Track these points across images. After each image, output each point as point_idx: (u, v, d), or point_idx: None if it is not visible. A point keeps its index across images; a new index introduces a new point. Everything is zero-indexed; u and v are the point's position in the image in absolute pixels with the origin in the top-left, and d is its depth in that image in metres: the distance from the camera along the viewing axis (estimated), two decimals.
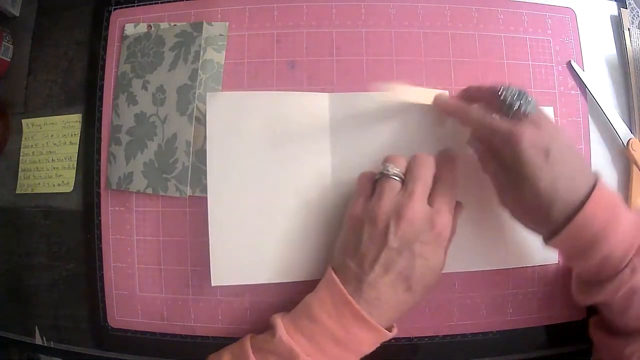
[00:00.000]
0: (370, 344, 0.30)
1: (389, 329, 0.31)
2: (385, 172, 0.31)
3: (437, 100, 0.35)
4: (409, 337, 0.37)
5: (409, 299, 0.30)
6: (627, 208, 0.29)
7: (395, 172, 0.31)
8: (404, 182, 0.31)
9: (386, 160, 0.32)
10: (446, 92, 0.36)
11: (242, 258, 0.36)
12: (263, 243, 0.36)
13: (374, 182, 0.32)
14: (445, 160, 0.32)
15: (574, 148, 0.30)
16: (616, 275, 0.28)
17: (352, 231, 0.31)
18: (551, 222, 0.29)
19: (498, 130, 0.30)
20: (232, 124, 0.36)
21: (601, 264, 0.29)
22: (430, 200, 0.30)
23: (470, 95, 0.34)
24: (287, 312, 0.31)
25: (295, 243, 0.36)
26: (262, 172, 0.36)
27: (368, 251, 0.29)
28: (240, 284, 0.36)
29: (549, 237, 0.30)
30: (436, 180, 0.31)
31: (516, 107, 0.29)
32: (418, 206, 0.29)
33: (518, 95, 0.30)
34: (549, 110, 0.38)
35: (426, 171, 0.31)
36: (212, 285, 0.35)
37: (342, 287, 0.29)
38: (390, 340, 0.37)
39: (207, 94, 0.37)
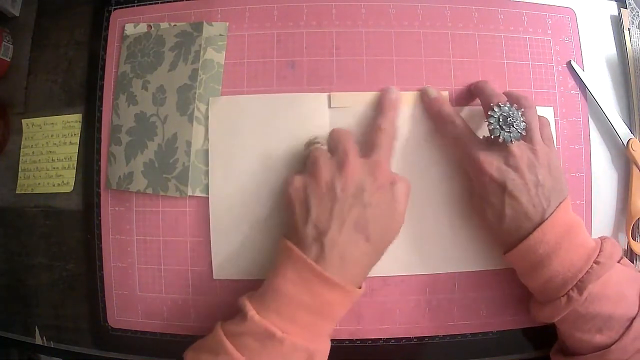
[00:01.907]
0: (341, 305, 0.30)
1: (361, 288, 0.31)
2: (312, 144, 0.33)
3: (426, 94, 0.36)
4: (409, 337, 0.37)
5: (370, 250, 0.30)
6: (581, 238, 0.31)
7: (322, 142, 0.33)
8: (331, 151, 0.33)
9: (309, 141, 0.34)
10: (445, 93, 0.37)
11: (242, 254, 0.36)
12: (263, 240, 0.36)
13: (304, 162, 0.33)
14: (386, 108, 0.34)
15: (538, 184, 0.30)
16: (554, 300, 0.31)
17: (299, 203, 0.31)
18: (502, 242, 0.33)
19: (469, 156, 0.32)
20: (233, 126, 0.37)
21: (543, 287, 0.31)
22: (369, 152, 0.32)
23: (473, 92, 0.36)
24: (253, 292, 0.30)
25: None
26: (263, 172, 0.37)
27: (320, 212, 0.30)
28: (241, 278, 0.36)
29: (503, 253, 0.33)
30: (375, 130, 0.33)
31: (495, 134, 0.31)
32: (354, 160, 0.31)
33: (504, 120, 0.31)
34: (548, 111, 0.38)
35: (348, 136, 0.33)
36: (214, 278, 0.36)
37: (300, 252, 0.29)
38: (390, 340, 0.37)
39: (210, 98, 0.37)
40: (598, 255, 0.30)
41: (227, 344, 0.27)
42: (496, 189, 0.31)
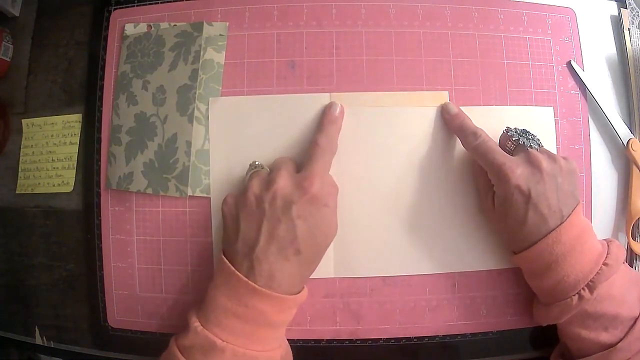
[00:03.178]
0: (279, 312, 0.30)
1: (300, 293, 0.32)
2: (253, 168, 0.34)
3: (446, 111, 0.37)
4: (409, 337, 0.37)
5: (301, 261, 0.31)
6: (592, 241, 0.32)
7: (260, 163, 0.34)
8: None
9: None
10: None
11: None
12: None
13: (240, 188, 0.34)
14: (326, 123, 0.35)
15: (558, 189, 0.32)
16: (564, 299, 0.31)
17: (230, 219, 0.32)
18: (517, 244, 0.33)
19: (493, 163, 0.32)
20: (234, 127, 0.37)
21: (554, 287, 0.32)
22: (303, 167, 0.33)
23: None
24: (200, 304, 0.31)
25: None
26: None
27: (249, 228, 0.31)
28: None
29: (515, 253, 0.34)
30: (311, 145, 0.34)
31: (521, 142, 0.33)
32: (285, 177, 0.32)
33: (523, 133, 0.34)
34: (548, 111, 0.38)
35: (287, 159, 0.34)
36: None
37: (230, 265, 0.30)
38: (390, 340, 0.37)
39: (210, 99, 0.37)
40: (606, 257, 0.31)
41: (179, 357, 0.29)
42: (520, 195, 0.31)
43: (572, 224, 0.31)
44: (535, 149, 0.33)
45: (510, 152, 0.34)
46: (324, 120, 0.35)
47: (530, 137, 0.34)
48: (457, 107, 0.36)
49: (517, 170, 0.31)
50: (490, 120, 0.37)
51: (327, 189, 0.32)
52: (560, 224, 0.31)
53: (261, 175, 0.33)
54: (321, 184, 0.31)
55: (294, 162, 0.34)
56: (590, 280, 0.31)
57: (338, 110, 0.36)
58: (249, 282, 0.29)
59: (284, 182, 0.31)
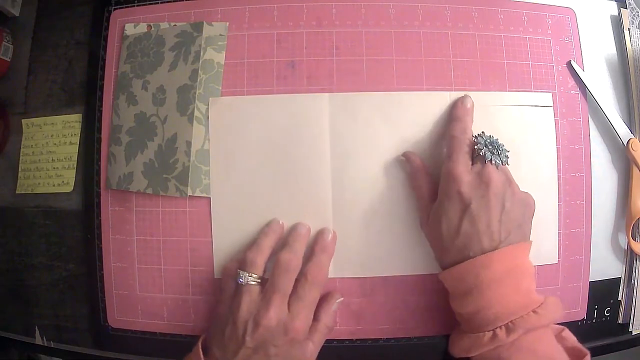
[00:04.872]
0: None
1: None
2: (242, 279, 0.32)
3: (463, 103, 0.36)
4: (409, 337, 0.37)
5: None
6: (528, 284, 0.30)
7: (254, 277, 0.32)
8: (262, 285, 0.32)
9: (244, 264, 0.33)
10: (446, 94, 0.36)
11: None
12: None
13: (236, 282, 0.33)
14: (319, 250, 0.34)
15: (503, 212, 0.30)
16: (477, 333, 0.30)
17: (219, 324, 0.33)
18: (446, 258, 0.32)
19: (450, 159, 0.32)
20: (233, 127, 0.37)
21: (472, 316, 0.30)
22: (290, 301, 0.32)
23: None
24: None
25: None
26: (263, 173, 0.37)
27: (228, 346, 0.31)
28: None
29: (442, 268, 0.33)
30: (299, 276, 0.33)
31: (488, 159, 0.31)
32: (274, 314, 0.31)
33: (491, 145, 0.32)
34: (548, 111, 0.38)
35: (286, 280, 0.32)
36: (216, 277, 0.37)
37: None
38: (390, 340, 0.37)
39: (210, 99, 0.37)
40: (539, 306, 0.29)
41: None
42: (459, 203, 0.30)
43: (509, 255, 0.29)
44: (497, 164, 0.31)
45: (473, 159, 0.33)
46: (316, 248, 0.34)
47: (496, 151, 0.32)
48: (471, 102, 0.36)
49: (465, 177, 0.31)
50: (489, 110, 0.37)
51: (305, 330, 0.32)
52: (494, 249, 0.29)
53: (253, 295, 0.32)
54: (306, 322, 0.32)
55: (292, 280, 0.32)
56: (511, 321, 0.28)
57: (330, 236, 0.35)
58: None
59: (270, 320, 0.30)
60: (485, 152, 0.32)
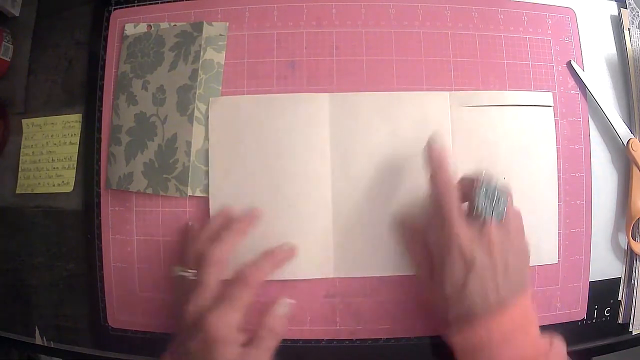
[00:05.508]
0: None
1: None
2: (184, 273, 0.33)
3: (429, 148, 0.33)
4: (409, 337, 0.37)
5: None
6: (534, 332, 0.30)
7: (190, 272, 0.33)
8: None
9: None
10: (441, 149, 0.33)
11: (241, 254, 0.35)
12: (263, 240, 0.36)
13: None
14: (265, 255, 0.34)
15: (506, 267, 0.30)
16: None
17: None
18: (448, 319, 0.31)
19: (446, 218, 0.30)
20: (233, 127, 0.37)
21: None
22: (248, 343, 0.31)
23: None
24: None
25: (293, 242, 0.36)
26: (263, 173, 0.37)
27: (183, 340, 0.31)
28: None
29: (448, 330, 0.31)
30: (233, 274, 0.32)
31: (477, 210, 0.30)
32: (192, 306, 0.31)
33: (492, 198, 0.30)
34: (548, 111, 0.38)
35: (208, 273, 0.32)
36: None
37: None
38: (390, 340, 0.37)
39: (210, 99, 0.37)
40: (550, 352, 0.30)
41: None
42: (462, 264, 0.29)
43: (518, 309, 0.29)
44: (501, 219, 0.30)
45: (469, 200, 0.31)
46: (264, 252, 0.34)
47: (495, 203, 0.30)
48: (442, 148, 0.33)
49: (468, 236, 0.29)
50: (489, 110, 0.37)
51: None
52: (502, 304, 0.29)
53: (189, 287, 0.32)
54: (225, 321, 0.30)
55: (218, 264, 0.32)
56: None
57: (286, 249, 0.35)
58: None
59: (191, 306, 0.31)
60: (483, 210, 0.30)
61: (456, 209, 0.30)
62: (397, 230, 0.36)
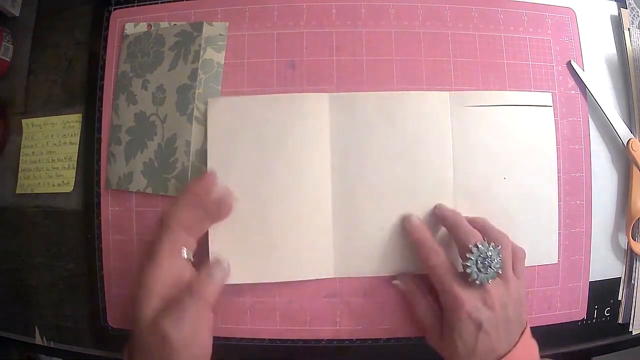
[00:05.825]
0: None
1: None
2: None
3: (409, 222, 0.35)
4: (409, 337, 0.37)
5: None
6: None
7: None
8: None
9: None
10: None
11: (240, 255, 0.36)
12: (262, 243, 0.36)
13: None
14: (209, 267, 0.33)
15: (508, 320, 0.31)
16: None
17: None
18: None
19: (446, 288, 0.32)
20: (233, 127, 0.37)
21: None
22: None
23: (446, 225, 0.35)
24: None
25: (293, 243, 0.36)
26: (262, 173, 0.36)
27: None
28: (239, 282, 0.35)
29: None
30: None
31: (473, 277, 0.31)
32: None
33: (482, 262, 0.31)
34: (548, 111, 0.38)
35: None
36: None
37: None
38: (390, 340, 0.37)
39: (209, 99, 0.37)
40: None
41: None
42: (471, 326, 0.31)
43: (521, 351, 0.31)
44: (493, 278, 0.31)
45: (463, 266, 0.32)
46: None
47: (487, 269, 0.31)
48: (419, 219, 0.36)
49: (471, 301, 0.31)
50: (489, 110, 0.37)
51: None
52: (509, 350, 0.31)
53: None
54: (177, 327, 0.29)
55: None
56: None
57: (224, 265, 0.34)
58: None
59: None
60: (477, 277, 0.31)
61: (452, 277, 0.32)
62: (403, 289, 0.36)
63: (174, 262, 0.31)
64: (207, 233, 0.35)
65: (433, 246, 0.34)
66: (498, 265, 0.31)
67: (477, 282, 0.31)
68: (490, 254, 0.31)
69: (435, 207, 0.36)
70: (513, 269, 0.33)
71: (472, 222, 0.34)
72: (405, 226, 0.36)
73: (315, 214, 0.36)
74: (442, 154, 0.37)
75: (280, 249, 0.36)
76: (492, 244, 0.32)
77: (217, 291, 0.32)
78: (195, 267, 0.32)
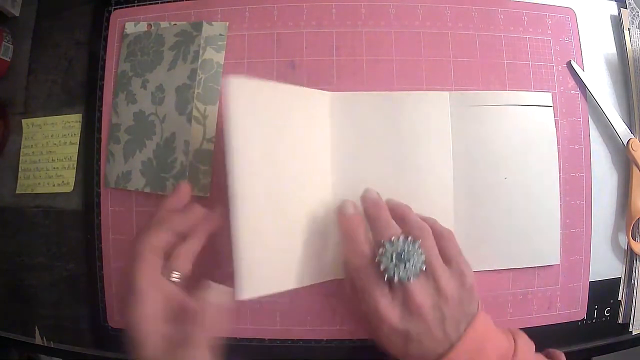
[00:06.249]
0: None
1: None
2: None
3: (340, 209, 0.31)
4: None
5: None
6: (494, 344, 0.28)
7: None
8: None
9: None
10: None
11: (269, 265, 0.31)
12: (286, 248, 0.33)
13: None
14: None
15: (444, 319, 0.28)
16: None
17: None
18: None
19: (366, 300, 0.28)
20: (254, 114, 0.31)
21: None
22: None
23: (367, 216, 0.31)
24: None
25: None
26: (277, 167, 0.33)
27: None
28: (271, 292, 0.30)
29: None
30: None
31: (390, 274, 0.28)
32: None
33: (398, 257, 0.28)
34: (548, 111, 0.38)
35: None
36: (239, 299, 0.28)
37: None
38: None
39: (228, 79, 0.30)
40: (513, 355, 0.28)
41: None
42: (398, 339, 0.28)
43: (468, 342, 0.28)
44: (416, 275, 0.28)
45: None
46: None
47: (406, 264, 0.27)
48: (355, 208, 0.31)
49: (394, 310, 0.28)
50: (489, 110, 0.37)
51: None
52: (450, 348, 0.27)
53: None
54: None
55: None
56: None
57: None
58: None
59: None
60: (392, 273, 0.27)
61: (374, 284, 0.28)
62: (342, 288, 0.33)
63: (157, 293, 0.28)
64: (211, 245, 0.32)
65: (360, 245, 0.29)
66: (420, 262, 0.28)
67: (395, 280, 0.27)
68: (407, 248, 0.28)
69: (362, 194, 0.31)
70: (443, 257, 0.29)
71: (393, 212, 0.31)
72: (337, 214, 0.31)
73: (315, 213, 0.36)
74: (442, 154, 0.37)
75: (298, 252, 0.33)
76: (410, 237, 0.28)
77: (221, 318, 0.29)
78: (183, 288, 0.29)
